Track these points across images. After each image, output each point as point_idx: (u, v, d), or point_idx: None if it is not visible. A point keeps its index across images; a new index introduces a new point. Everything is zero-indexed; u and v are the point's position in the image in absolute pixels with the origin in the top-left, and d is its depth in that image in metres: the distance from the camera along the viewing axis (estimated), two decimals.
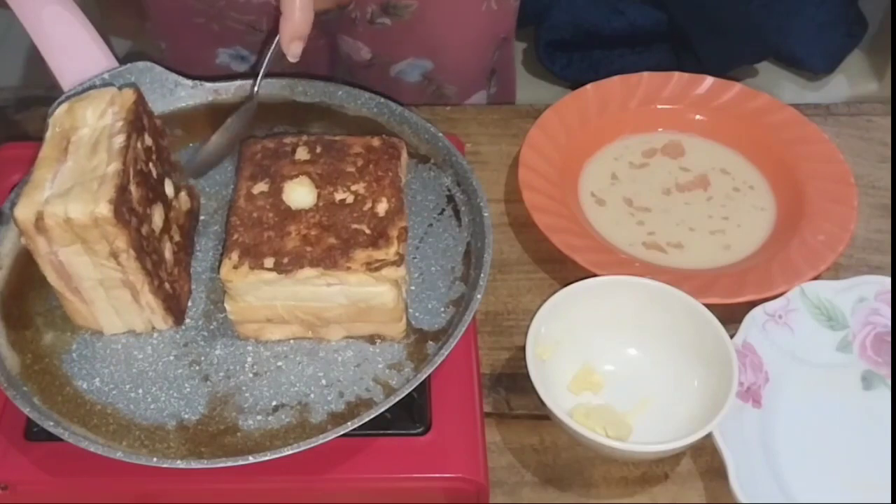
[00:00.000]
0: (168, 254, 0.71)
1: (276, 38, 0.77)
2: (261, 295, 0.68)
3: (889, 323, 0.77)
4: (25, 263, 0.73)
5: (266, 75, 0.84)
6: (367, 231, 0.69)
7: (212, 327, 0.72)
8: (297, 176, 0.73)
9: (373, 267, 0.67)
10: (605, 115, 0.95)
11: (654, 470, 0.71)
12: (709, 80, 0.97)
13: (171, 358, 0.70)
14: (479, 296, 0.70)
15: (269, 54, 0.80)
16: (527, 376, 0.69)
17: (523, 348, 0.70)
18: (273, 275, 0.67)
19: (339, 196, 0.72)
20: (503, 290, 0.83)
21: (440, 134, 0.82)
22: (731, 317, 0.75)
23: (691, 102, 0.96)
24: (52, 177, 0.64)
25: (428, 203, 0.80)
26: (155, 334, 0.72)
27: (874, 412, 0.74)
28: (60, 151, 0.66)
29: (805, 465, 0.70)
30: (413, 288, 0.74)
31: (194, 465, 0.63)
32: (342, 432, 0.63)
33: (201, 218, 0.79)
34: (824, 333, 0.77)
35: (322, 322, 0.70)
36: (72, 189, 0.63)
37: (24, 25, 0.79)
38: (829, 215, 0.85)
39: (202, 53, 1.06)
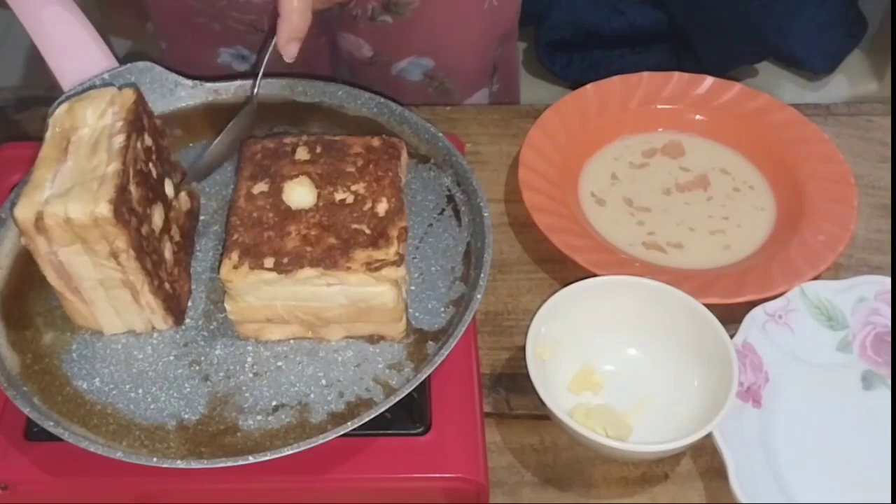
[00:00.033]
0: (168, 254, 0.71)
1: (274, 39, 0.77)
2: (261, 295, 0.68)
3: (889, 323, 0.77)
4: (25, 263, 0.73)
5: (266, 75, 0.84)
6: (367, 231, 0.69)
7: (212, 327, 0.72)
8: (297, 176, 0.73)
9: (373, 267, 0.67)
10: (605, 115, 0.95)
11: (654, 470, 0.71)
12: (709, 80, 0.97)
13: (171, 358, 0.70)
14: (479, 296, 0.70)
15: (266, 55, 0.80)
16: (527, 376, 0.69)
17: (523, 348, 0.70)
18: (273, 275, 0.67)
19: (339, 196, 0.72)
20: (503, 290, 0.83)
21: (440, 134, 0.82)
22: (731, 317, 0.75)
23: (691, 102, 0.96)
24: (52, 177, 0.64)
25: (428, 203, 0.80)
26: (155, 334, 0.72)
27: (874, 412, 0.74)
28: (60, 151, 0.66)
29: (805, 465, 0.70)
30: (413, 288, 0.74)
31: (194, 465, 0.63)
32: (342, 432, 0.63)
33: (201, 218, 0.79)
34: (824, 333, 0.77)
35: (322, 322, 0.70)
36: (72, 189, 0.63)
37: (24, 25, 0.79)
38: (829, 215, 0.85)
39: (203, 53, 1.06)
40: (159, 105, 0.83)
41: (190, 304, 0.74)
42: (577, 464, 0.72)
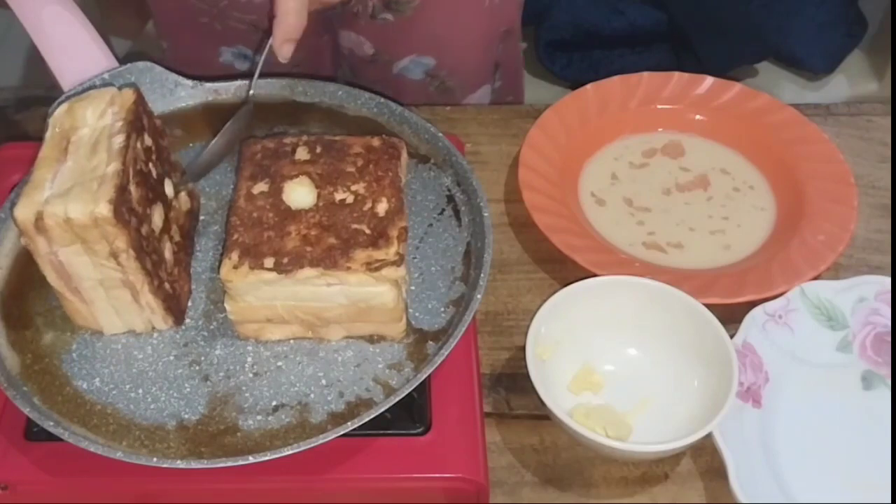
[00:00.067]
0: (168, 254, 0.71)
1: (270, 40, 0.77)
2: (261, 295, 0.68)
3: (889, 323, 0.77)
4: (25, 263, 0.73)
5: (266, 75, 0.84)
6: (367, 231, 0.69)
7: (212, 327, 0.72)
8: (297, 176, 0.73)
9: (373, 267, 0.67)
10: (605, 115, 0.95)
11: (654, 470, 0.71)
12: (709, 80, 0.97)
13: (171, 358, 0.70)
14: (479, 296, 0.70)
15: (262, 56, 0.80)
16: (527, 376, 0.69)
17: (523, 348, 0.70)
18: (273, 275, 0.67)
19: (339, 196, 0.72)
20: (503, 290, 0.83)
21: (440, 134, 0.82)
22: (731, 317, 0.75)
23: (691, 102, 0.96)
24: (52, 177, 0.64)
25: (428, 203, 0.80)
26: (155, 334, 0.72)
27: (874, 412, 0.74)
28: (60, 151, 0.66)
29: (805, 465, 0.70)
30: (413, 288, 0.74)
31: (194, 465, 0.63)
32: (342, 432, 0.63)
33: (201, 218, 0.79)
34: (824, 333, 0.77)
35: (322, 322, 0.70)
36: (72, 189, 0.63)
37: (24, 25, 0.79)
38: (829, 215, 0.85)
39: (205, 52, 1.06)
40: (159, 105, 0.83)
41: (190, 304, 0.74)
42: (577, 464, 0.72)
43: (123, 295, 0.68)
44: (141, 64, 0.83)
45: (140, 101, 0.70)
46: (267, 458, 0.62)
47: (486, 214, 0.76)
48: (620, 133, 0.95)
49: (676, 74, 0.97)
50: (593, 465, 0.71)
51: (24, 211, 0.63)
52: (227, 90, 0.87)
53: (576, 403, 0.73)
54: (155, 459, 0.63)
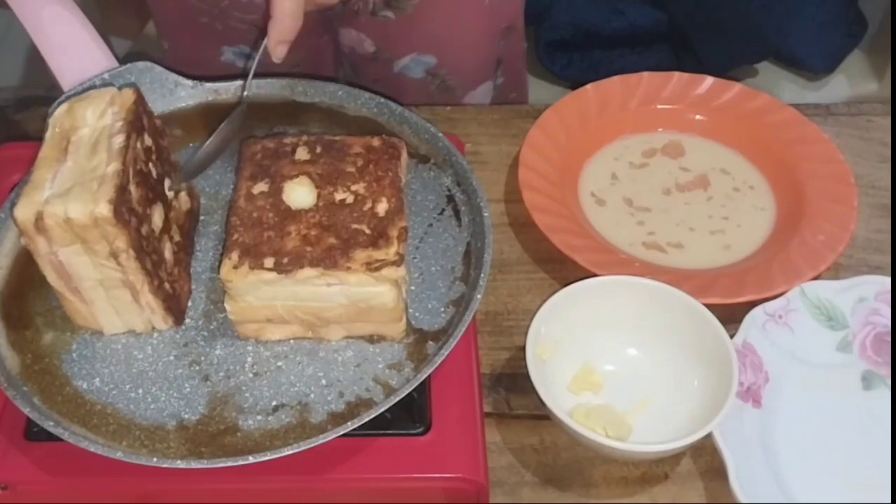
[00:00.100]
0: (168, 254, 0.71)
1: (265, 41, 0.77)
2: (261, 295, 0.68)
3: (889, 323, 0.77)
4: (25, 263, 0.73)
5: (266, 75, 0.84)
6: (367, 231, 0.69)
7: (212, 327, 0.72)
8: (297, 176, 0.73)
9: (373, 267, 0.67)
10: (605, 115, 0.95)
11: (654, 470, 0.71)
12: (709, 80, 0.97)
13: (171, 358, 0.70)
14: (479, 296, 0.70)
15: (257, 57, 0.80)
16: (527, 376, 0.69)
17: (523, 348, 0.70)
18: (273, 275, 0.67)
19: (339, 196, 0.72)
20: (503, 290, 0.83)
21: (440, 134, 0.82)
22: (731, 317, 0.75)
23: (691, 102, 0.96)
24: (52, 177, 0.64)
25: (428, 203, 0.80)
26: (155, 334, 0.72)
27: (874, 412, 0.74)
28: (60, 151, 0.66)
29: (805, 465, 0.70)
30: (413, 288, 0.74)
31: (194, 465, 0.63)
32: (342, 432, 0.63)
33: (201, 218, 0.79)
34: (824, 333, 0.77)
35: (322, 322, 0.70)
36: (72, 189, 0.63)
37: (24, 25, 0.79)
38: (829, 215, 0.85)
39: (206, 52, 1.06)
40: (159, 105, 0.83)
41: (190, 304, 0.74)
42: (577, 464, 0.72)
43: (123, 295, 0.68)
44: (141, 64, 0.83)
45: (140, 101, 0.70)
46: (267, 458, 0.62)
47: (486, 214, 0.76)
48: (620, 133, 0.95)
49: (676, 74, 0.97)
50: (593, 465, 0.71)
51: (24, 211, 0.63)
52: (227, 90, 0.87)
53: (576, 403, 0.73)
54: (155, 459, 0.63)
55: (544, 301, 0.73)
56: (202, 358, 0.71)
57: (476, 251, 0.75)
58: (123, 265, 0.66)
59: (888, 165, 0.93)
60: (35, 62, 0.82)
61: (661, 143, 0.95)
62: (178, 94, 0.86)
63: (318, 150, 0.75)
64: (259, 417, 0.67)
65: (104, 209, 0.62)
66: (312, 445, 0.63)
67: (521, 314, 0.81)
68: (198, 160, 0.78)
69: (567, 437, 0.72)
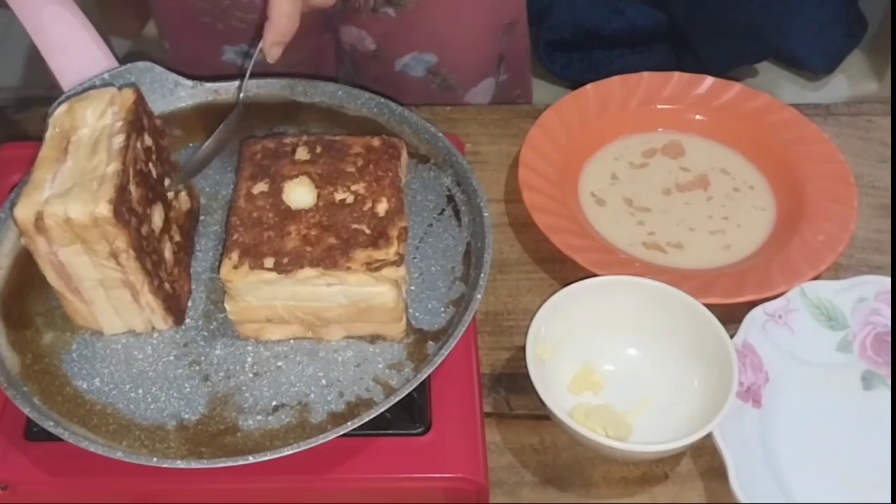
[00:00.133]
0: (168, 254, 0.71)
1: (261, 43, 0.77)
2: (261, 295, 0.68)
3: (889, 323, 0.77)
4: (25, 263, 0.73)
5: (266, 75, 0.84)
6: (367, 231, 0.69)
7: (212, 327, 0.72)
8: (297, 176, 0.73)
9: (373, 267, 0.67)
10: (605, 115, 0.95)
11: (654, 470, 0.71)
12: (709, 80, 0.97)
13: (171, 358, 0.70)
14: (479, 296, 0.70)
15: (252, 60, 0.80)
16: (527, 376, 0.69)
17: (523, 348, 0.70)
18: (273, 275, 0.67)
19: (339, 196, 0.72)
20: (503, 290, 0.83)
21: (440, 134, 0.82)
22: (731, 317, 0.75)
23: (691, 102, 0.96)
24: (51, 177, 0.64)
25: (428, 203, 0.80)
26: (155, 334, 0.72)
27: (874, 412, 0.74)
28: (60, 151, 0.66)
29: (805, 465, 0.70)
30: (413, 288, 0.74)
31: (194, 465, 0.63)
32: (342, 432, 0.63)
33: (201, 218, 0.79)
34: (824, 333, 0.77)
35: (322, 322, 0.70)
36: (72, 189, 0.63)
37: (24, 25, 0.79)
38: (829, 215, 0.85)
39: (208, 52, 1.06)
40: (159, 105, 0.83)
41: (190, 304, 0.74)
42: (577, 464, 0.72)
43: (123, 295, 0.68)
44: (141, 64, 0.83)
45: (140, 101, 0.70)
46: (267, 458, 0.62)
47: (486, 214, 0.76)
48: (620, 133, 0.95)
49: (676, 74, 0.97)
50: (593, 465, 0.71)
51: (24, 211, 0.63)
52: (227, 90, 0.87)
53: (576, 403, 0.73)
54: (155, 459, 0.63)
55: (544, 301, 0.73)
56: (202, 358, 0.71)
57: (476, 251, 0.75)
58: (123, 265, 0.66)
59: (888, 165, 0.93)
60: (35, 62, 0.82)
61: (661, 143, 0.95)
62: (177, 94, 0.86)
63: (318, 150, 0.75)
64: (259, 417, 0.67)
65: (104, 209, 0.62)
66: (312, 445, 0.63)
67: (521, 314, 0.81)
68: (194, 163, 0.78)
69: (567, 437, 0.72)
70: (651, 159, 0.94)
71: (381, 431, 0.67)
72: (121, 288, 0.68)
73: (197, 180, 0.80)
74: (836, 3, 1.80)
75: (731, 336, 0.73)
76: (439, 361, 0.67)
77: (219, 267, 0.69)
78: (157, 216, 0.70)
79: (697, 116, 0.95)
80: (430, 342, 0.71)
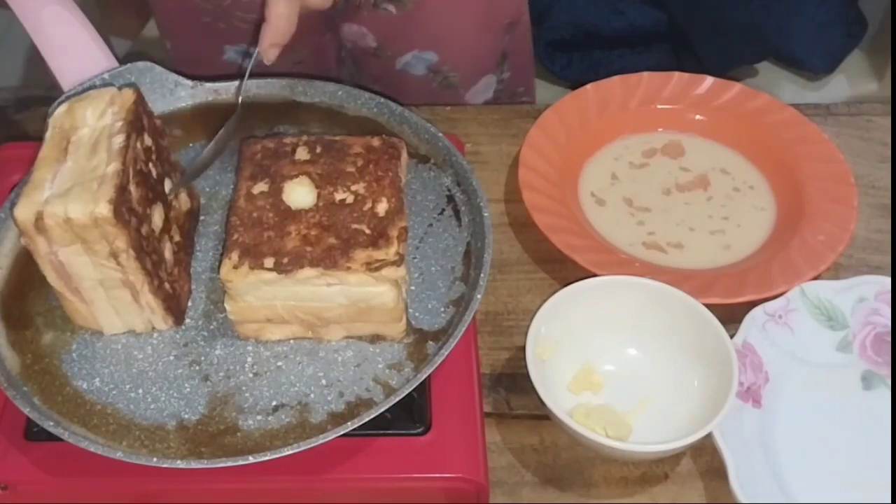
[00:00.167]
0: (168, 254, 0.71)
1: (259, 45, 0.77)
2: (261, 295, 0.68)
3: (889, 323, 0.77)
4: (25, 263, 0.73)
5: (267, 75, 0.84)
6: (367, 231, 0.69)
7: (212, 327, 0.72)
8: (297, 176, 0.73)
9: (373, 267, 0.67)
10: (605, 115, 0.95)
11: (654, 470, 0.71)
12: (709, 80, 0.97)
13: (171, 358, 0.70)
14: (479, 296, 0.70)
15: (251, 62, 0.80)
16: (527, 376, 0.69)
17: (523, 348, 0.70)
18: (273, 275, 0.67)
19: (339, 196, 0.72)
20: (503, 290, 0.83)
21: (440, 134, 0.82)
22: (731, 317, 0.75)
23: (691, 102, 0.96)
24: (51, 177, 0.64)
25: (428, 203, 0.80)
26: (155, 334, 0.72)
27: (874, 412, 0.74)
28: (60, 151, 0.66)
29: (805, 465, 0.70)
30: (413, 288, 0.74)
31: (194, 465, 0.63)
32: (342, 432, 0.63)
33: (201, 218, 0.79)
34: (824, 333, 0.77)
35: (322, 322, 0.70)
36: (72, 189, 0.63)
37: (24, 25, 0.79)
38: (829, 215, 0.85)
39: (209, 51, 1.06)
40: (159, 105, 0.83)
41: (190, 304, 0.74)
42: (577, 464, 0.72)
43: (123, 295, 0.68)
44: (141, 64, 0.83)
45: (140, 101, 0.70)
46: (267, 458, 0.62)
47: (486, 214, 0.76)
48: (620, 133, 0.95)
49: (676, 74, 0.97)
50: (593, 465, 0.71)
51: (24, 211, 0.63)
52: (227, 90, 0.87)
53: (576, 403, 0.73)
54: (155, 459, 0.63)
55: (544, 301, 0.73)
56: (202, 358, 0.71)
57: (476, 251, 0.75)
58: (123, 265, 0.66)
59: (888, 165, 0.93)
60: (35, 62, 0.82)
61: (661, 143, 0.95)
62: (177, 94, 0.86)
63: (318, 150, 0.75)
64: (259, 417, 0.67)
65: (104, 209, 0.62)
66: (312, 445, 0.63)
67: (521, 314, 0.81)
68: (195, 167, 0.78)
69: (567, 437, 0.72)
70: (651, 159, 0.94)
71: (381, 431, 0.67)
72: (121, 288, 0.68)
73: (197, 180, 0.80)
74: (836, 3, 1.80)
75: (731, 336, 0.73)
76: (439, 361, 0.67)
77: (219, 267, 0.69)
78: (157, 216, 0.70)
79: (697, 116, 0.95)
80: (430, 342, 0.71)
